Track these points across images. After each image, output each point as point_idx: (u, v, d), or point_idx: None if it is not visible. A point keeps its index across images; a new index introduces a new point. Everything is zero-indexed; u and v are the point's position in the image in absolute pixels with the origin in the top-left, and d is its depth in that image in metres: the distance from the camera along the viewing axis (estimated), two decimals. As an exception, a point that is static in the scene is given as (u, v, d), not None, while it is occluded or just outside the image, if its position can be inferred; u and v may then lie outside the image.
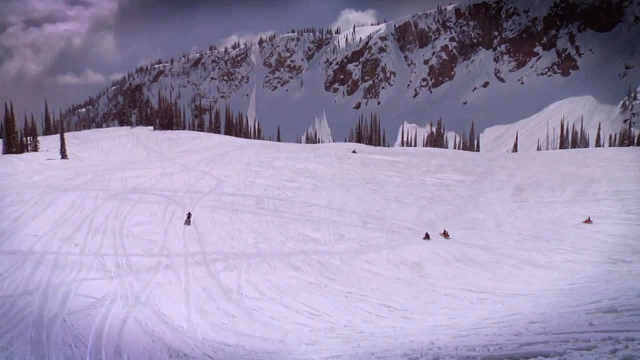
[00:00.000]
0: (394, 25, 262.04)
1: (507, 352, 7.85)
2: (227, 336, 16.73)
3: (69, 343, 14.76)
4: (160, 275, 22.88)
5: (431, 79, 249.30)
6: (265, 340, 16.29)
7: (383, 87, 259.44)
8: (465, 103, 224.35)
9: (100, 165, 52.15)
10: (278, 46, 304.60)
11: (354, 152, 63.18)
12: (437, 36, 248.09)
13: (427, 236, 34.49)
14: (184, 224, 29.18)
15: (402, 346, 12.17)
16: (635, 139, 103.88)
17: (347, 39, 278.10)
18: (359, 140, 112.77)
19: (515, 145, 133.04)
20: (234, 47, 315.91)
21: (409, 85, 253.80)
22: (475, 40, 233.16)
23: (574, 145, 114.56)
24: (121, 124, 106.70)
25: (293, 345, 15.32)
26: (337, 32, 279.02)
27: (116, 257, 24.13)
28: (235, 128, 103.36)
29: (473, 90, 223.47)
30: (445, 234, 35.63)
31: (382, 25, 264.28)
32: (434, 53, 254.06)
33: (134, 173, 46.58)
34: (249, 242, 29.59)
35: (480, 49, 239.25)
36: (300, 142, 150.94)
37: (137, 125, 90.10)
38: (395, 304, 20.89)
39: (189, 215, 30.24)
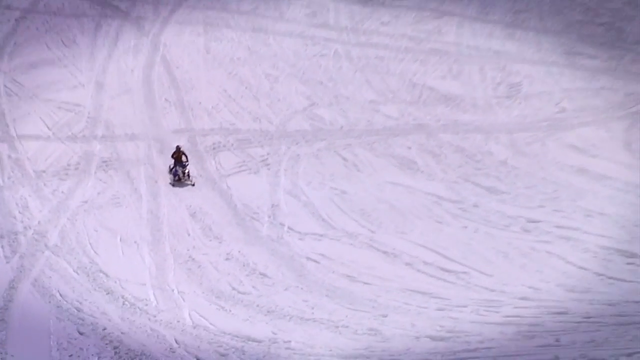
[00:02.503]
0: None
1: None
2: (249, 321, 17.33)
3: None
4: (88, 186, 24.04)
5: None
6: (337, 328, 16.55)
7: None
8: None
9: None
10: None
11: None
12: None
13: None
14: (173, 181, 26.22)
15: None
16: None
17: None
18: None
19: None
20: None
21: None
22: None
23: None
24: None
25: (402, 339, 15.48)
26: None
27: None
28: None
29: None
30: None
31: None
32: None
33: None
34: (294, 105, 30.51)
35: None
36: None
37: None
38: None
39: (180, 158, 26.69)
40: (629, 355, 10.28)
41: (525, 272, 19.80)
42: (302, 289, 19.03)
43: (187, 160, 26.00)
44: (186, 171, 25.71)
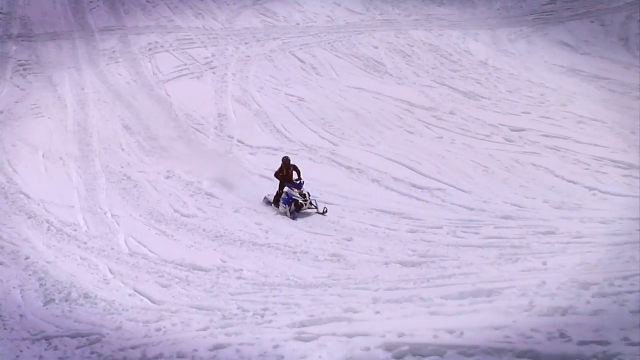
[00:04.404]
0: None
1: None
2: (194, 248, 17.19)
3: None
4: (3, 94, 23.79)
5: None
6: (295, 255, 16.49)
7: None
8: None
9: None
10: None
11: None
12: None
13: None
14: (289, 212, 20.11)
15: None
16: None
17: None
18: None
19: None
20: None
21: None
22: None
23: None
24: None
25: (369, 266, 15.43)
26: None
27: None
28: None
29: None
30: None
31: None
32: None
33: None
34: None
35: None
36: None
37: None
38: None
39: (290, 177, 20.60)
40: (625, 278, 10.08)
41: (509, 187, 19.98)
42: (255, 210, 19.06)
43: (301, 178, 20.38)
44: (306, 193, 19.97)
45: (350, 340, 8.25)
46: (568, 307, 8.38)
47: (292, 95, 24.46)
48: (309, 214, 19.63)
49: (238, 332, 9.94)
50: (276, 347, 8.41)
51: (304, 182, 20.13)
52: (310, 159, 21.65)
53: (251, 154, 21.77)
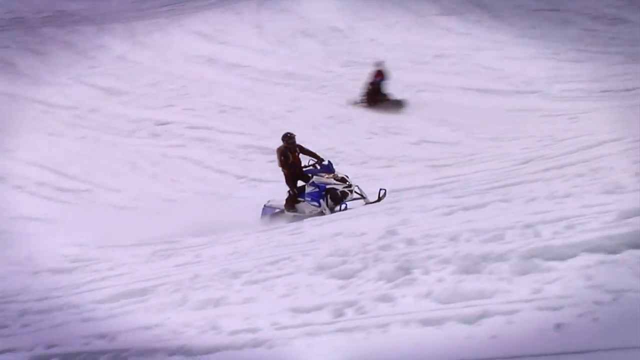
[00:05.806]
0: None
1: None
2: None
3: None
4: None
5: None
6: None
7: None
8: None
9: None
10: None
11: None
12: None
13: None
14: (326, 208, 15.48)
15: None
16: None
17: None
18: None
19: None
20: None
21: None
22: None
23: None
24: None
25: (18, 277, 13.89)
26: None
27: None
28: None
29: None
30: None
31: None
32: None
33: None
34: None
35: None
36: None
37: None
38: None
39: (296, 160, 15.69)
40: (273, 263, 10.17)
41: (158, 182, 20.13)
42: None
43: (320, 157, 15.56)
44: (344, 176, 15.20)
45: (-5, 360, 7.94)
46: (220, 297, 8.32)
47: None
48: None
49: None
50: None
51: (330, 163, 15.34)
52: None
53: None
